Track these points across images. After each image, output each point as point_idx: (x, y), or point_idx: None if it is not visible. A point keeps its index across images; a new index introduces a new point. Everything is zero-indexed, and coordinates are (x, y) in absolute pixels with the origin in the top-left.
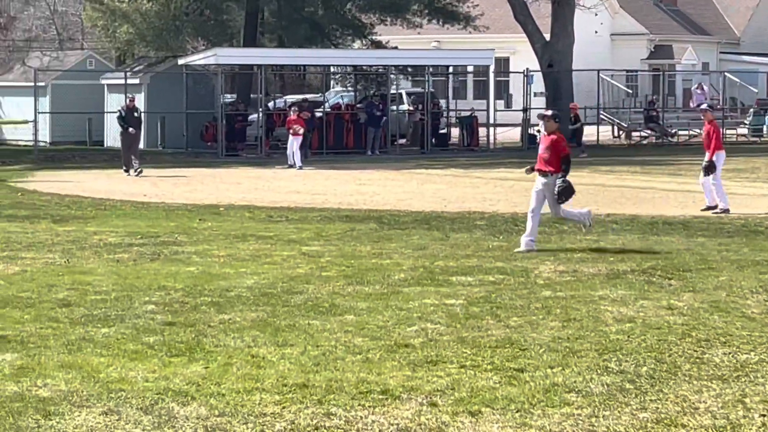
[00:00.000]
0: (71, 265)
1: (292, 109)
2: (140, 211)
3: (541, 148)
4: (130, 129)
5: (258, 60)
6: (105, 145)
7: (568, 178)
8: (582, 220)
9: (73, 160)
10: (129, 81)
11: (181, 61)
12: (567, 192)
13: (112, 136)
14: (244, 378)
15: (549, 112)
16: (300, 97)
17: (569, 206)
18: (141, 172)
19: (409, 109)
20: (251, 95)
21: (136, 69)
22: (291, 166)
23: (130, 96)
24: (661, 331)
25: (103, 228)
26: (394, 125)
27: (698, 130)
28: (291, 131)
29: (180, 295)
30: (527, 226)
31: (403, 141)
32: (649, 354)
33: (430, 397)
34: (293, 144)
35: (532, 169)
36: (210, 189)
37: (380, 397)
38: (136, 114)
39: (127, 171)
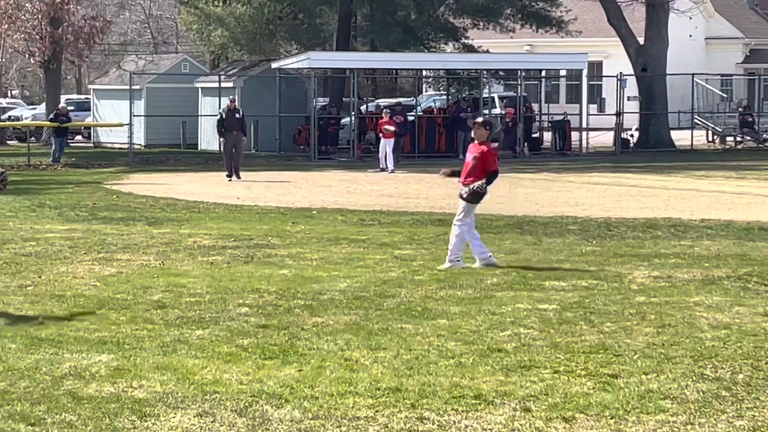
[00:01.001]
0: (166, 267)
1: (384, 111)
2: (233, 214)
3: (469, 157)
4: (220, 139)
5: (351, 64)
6: (199, 148)
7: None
8: (454, 256)
9: (167, 163)
10: (223, 84)
11: (274, 65)
12: (478, 196)
13: (206, 139)
14: (337, 381)
15: (479, 119)
16: (393, 101)
17: (466, 236)
18: (236, 178)
19: (501, 113)
20: (344, 99)
21: (230, 72)
22: (383, 170)
23: (231, 97)
24: (757, 338)
25: (196, 230)
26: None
27: None
28: (382, 133)
29: (273, 297)
30: (471, 246)
31: (495, 144)
32: (745, 361)
33: (524, 403)
34: (386, 147)
35: (453, 174)
36: (303, 192)
37: (473, 401)
38: (237, 115)
39: (230, 176)
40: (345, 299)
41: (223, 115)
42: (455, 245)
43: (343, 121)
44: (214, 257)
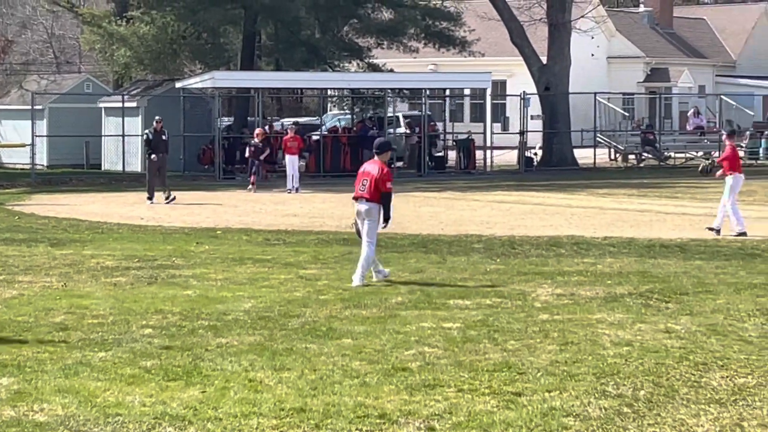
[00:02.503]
0: (68, 289)
1: (289, 127)
2: (137, 235)
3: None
4: (153, 156)
5: (255, 83)
6: (102, 169)
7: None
8: (361, 273)
9: (70, 184)
10: (126, 104)
11: (178, 85)
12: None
13: (109, 159)
14: (241, 402)
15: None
16: (301, 119)
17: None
18: (173, 199)
19: (406, 132)
20: (248, 118)
21: (134, 92)
22: (290, 190)
23: (158, 117)
24: (658, 355)
25: (100, 251)
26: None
27: (695, 153)
28: (286, 150)
29: (177, 318)
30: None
31: (400, 164)
32: (646, 378)
33: (428, 422)
34: (292, 165)
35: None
36: (207, 212)
37: (378, 421)
38: (164, 137)
39: (150, 199)
40: (249, 319)
41: (150, 136)
42: (365, 264)
43: (254, 141)
44: (117, 278)
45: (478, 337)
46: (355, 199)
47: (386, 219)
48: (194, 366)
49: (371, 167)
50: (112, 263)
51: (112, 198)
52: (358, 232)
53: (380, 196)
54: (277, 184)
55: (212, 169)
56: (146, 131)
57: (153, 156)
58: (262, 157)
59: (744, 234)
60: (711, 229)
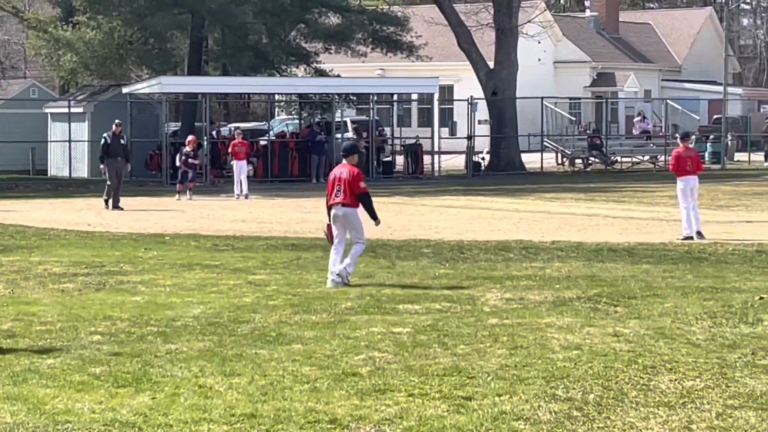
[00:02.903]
0: (16, 296)
1: (237, 131)
2: (85, 241)
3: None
4: (102, 166)
5: (202, 88)
6: (48, 174)
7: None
8: (346, 273)
9: (16, 190)
10: (73, 110)
11: (125, 90)
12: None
13: (56, 164)
14: (191, 408)
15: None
16: (250, 125)
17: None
18: (117, 207)
19: (353, 137)
20: (196, 123)
21: (80, 98)
22: (239, 196)
23: (117, 121)
24: (607, 358)
25: (47, 258)
26: (339, 153)
27: (641, 157)
28: (234, 155)
29: (126, 325)
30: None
31: None
32: (596, 381)
33: (379, 426)
34: (240, 171)
35: None
36: (155, 218)
37: (329, 426)
38: (122, 141)
39: (107, 203)
40: (199, 325)
41: (108, 141)
42: (351, 264)
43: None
44: (65, 285)
45: (428, 342)
46: (330, 206)
47: (373, 218)
48: (144, 372)
49: (341, 171)
50: (59, 270)
51: (59, 204)
52: (329, 239)
53: (356, 199)
54: (225, 189)
55: (159, 175)
56: (105, 135)
57: (102, 166)
58: (193, 164)
59: (690, 238)
60: (698, 233)
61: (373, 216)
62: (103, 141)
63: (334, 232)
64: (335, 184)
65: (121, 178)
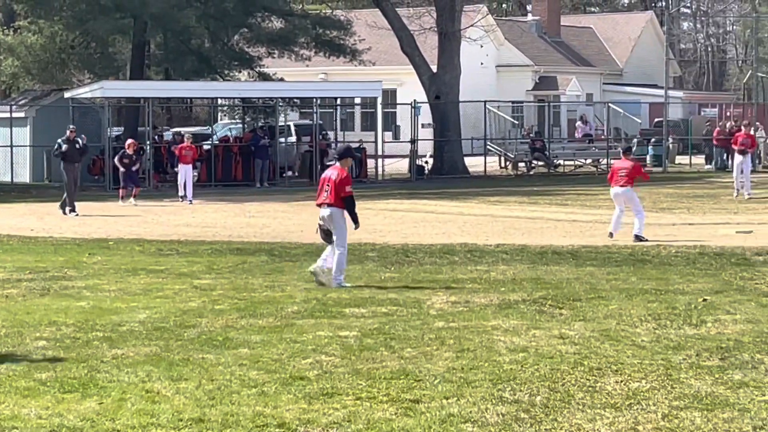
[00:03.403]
0: None
1: (186, 136)
2: (28, 246)
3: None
4: (63, 170)
5: (144, 93)
6: None
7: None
8: (335, 280)
9: None
10: (14, 114)
11: (67, 95)
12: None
13: None
14: (139, 413)
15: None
16: (193, 129)
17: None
18: (69, 212)
19: (296, 141)
20: (138, 128)
21: (22, 102)
22: (183, 198)
23: (72, 126)
24: (553, 361)
25: None
26: (283, 157)
27: (583, 161)
28: (181, 158)
29: (71, 330)
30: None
31: (290, 173)
32: (542, 383)
33: (327, 430)
34: (185, 174)
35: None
36: (98, 223)
37: (277, 430)
38: (77, 146)
39: (73, 210)
40: (145, 330)
41: (63, 146)
42: (338, 268)
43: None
44: (9, 290)
45: (375, 345)
46: (319, 205)
47: (354, 221)
48: (90, 378)
49: (332, 173)
50: (3, 275)
51: (1, 209)
52: (324, 237)
53: (342, 201)
54: (168, 194)
55: (102, 180)
56: (59, 141)
57: (67, 166)
58: (134, 169)
59: (611, 236)
60: (611, 234)
61: (355, 220)
62: (57, 147)
63: (323, 231)
64: (325, 184)
65: (77, 184)
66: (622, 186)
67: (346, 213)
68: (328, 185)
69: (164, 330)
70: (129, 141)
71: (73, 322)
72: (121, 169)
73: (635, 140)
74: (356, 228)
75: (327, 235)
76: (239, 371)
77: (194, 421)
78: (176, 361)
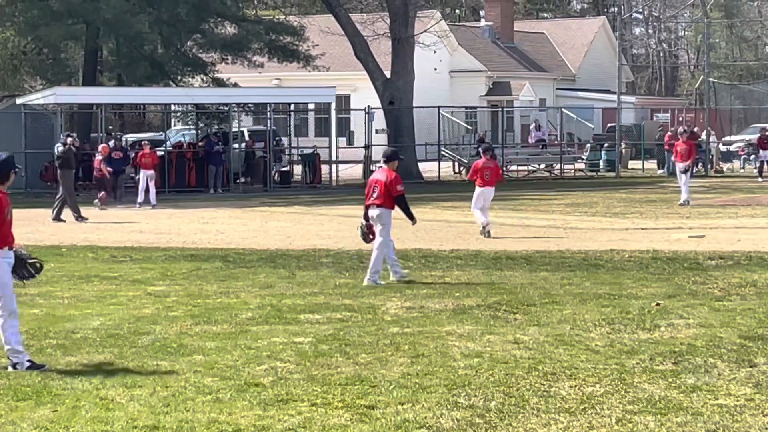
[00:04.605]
0: None
1: (144, 142)
2: None
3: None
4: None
5: (97, 99)
6: None
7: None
8: (372, 277)
9: None
10: None
11: (19, 101)
12: (363, 236)
13: None
14: (93, 420)
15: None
16: (146, 135)
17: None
18: (58, 218)
19: (250, 147)
20: (91, 134)
21: None
22: (141, 204)
23: (73, 134)
24: (508, 366)
25: None
26: (237, 163)
27: (536, 166)
28: (141, 165)
29: (24, 337)
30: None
31: (245, 179)
32: (497, 388)
33: None
34: (146, 180)
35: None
36: (51, 230)
37: None
38: (75, 152)
39: (81, 217)
40: (99, 337)
41: (64, 151)
42: (377, 264)
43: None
44: None
45: (330, 351)
46: (368, 206)
47: (410, 218)
48: (44, 385)
49: (380, 175)
50: None
51: None
52: (364, 237)
53: (392, 201)
54: (123, 200)
55: (55, 186)
56: (59, 148)
57: (67, 172)
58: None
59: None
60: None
61: (410, 216)
62: (58, 152)
63: (376, 229)
64: (373, 186)
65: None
66: (492, 186)
67: (393, 211)
68: (376, 186)
69: (118, 337)
70: (101, 146)
71: (26, 329)
72: (108, 177)
73: (588, 145)
74: (413, 223)
75: (366, 235)
76: (194, 378)
77: (149, 428)
78: (130, 368)
